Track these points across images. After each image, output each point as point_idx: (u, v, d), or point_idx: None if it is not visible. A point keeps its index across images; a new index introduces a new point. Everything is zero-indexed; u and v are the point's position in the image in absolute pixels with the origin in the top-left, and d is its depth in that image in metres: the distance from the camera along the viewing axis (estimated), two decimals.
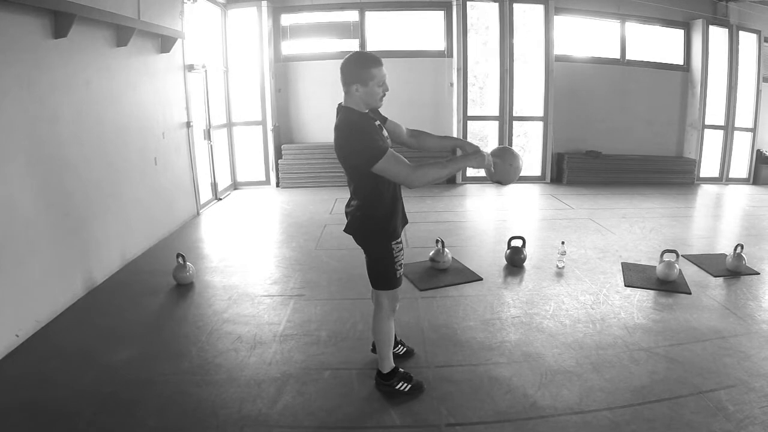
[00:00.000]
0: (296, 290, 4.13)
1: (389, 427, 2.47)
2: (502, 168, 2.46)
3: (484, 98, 9.32)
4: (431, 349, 3.18)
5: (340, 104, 2.42)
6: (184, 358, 3.08)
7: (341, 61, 2.33)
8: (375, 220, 2.46)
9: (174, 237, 5.66)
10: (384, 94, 2.37)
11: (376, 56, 2.33)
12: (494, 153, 2.49)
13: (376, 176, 2.29)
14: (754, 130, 9.34)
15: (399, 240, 2.52)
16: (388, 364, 2.68)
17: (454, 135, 8.74)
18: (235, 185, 8.49)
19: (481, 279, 4.32)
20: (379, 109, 2.51)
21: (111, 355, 3.10)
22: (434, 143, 2.71)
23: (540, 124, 8.92)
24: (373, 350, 3.00)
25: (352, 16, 8.56)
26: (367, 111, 2.40)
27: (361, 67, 2.29)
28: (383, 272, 2.53)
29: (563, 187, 8.59)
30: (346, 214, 2.58)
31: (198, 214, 6.66)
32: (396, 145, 2.59)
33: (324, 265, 4.70)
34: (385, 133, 2.50)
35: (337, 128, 2.36)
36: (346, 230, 2.57)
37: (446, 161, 2.31)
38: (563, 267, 4.54)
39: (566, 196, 7.87)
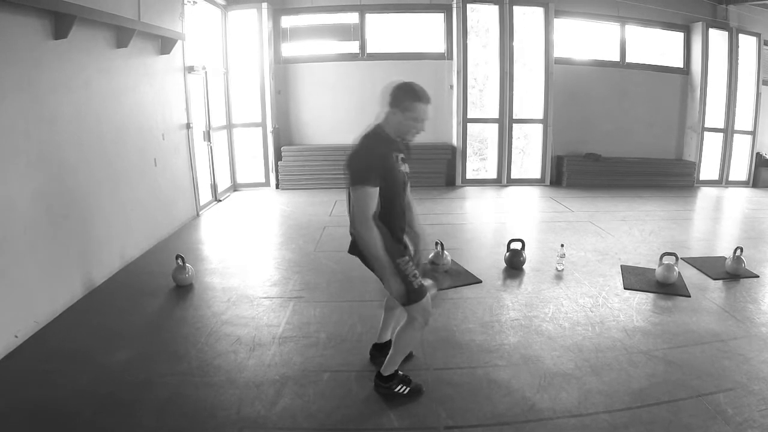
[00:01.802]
0: (295, 292, 4.13)
1: (388, 430, 2.47)
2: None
3: (484, 100, 9.32)
4: (430, 351, 3.18)
5: (373, 122, 2.47)
6: (183, 359, 3.08)
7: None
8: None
9: (173, 238, 5.66)
10: (416, 131, 2.42)
11: (426, 94, 2.38)
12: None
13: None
14: (753, 133, 9.35)
15: (404, 255, 2.51)
16: (392, 369, 2.67)
17: (454, 137, 8.79)
18: (234, 187, 8.49)
19: (480, 281, 4.32)
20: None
21: (110, 356, 3.10)
22: (409, 220, 2.70)
23: (540, 127, 8.92)
24: (372, 358, 3.00)
25: (352, 18, 8.57)
26: (395, 138, 2.43)
27: (404, 95, 2.35)
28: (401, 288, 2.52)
29: (563, 190, 8.59)
30: (351, 234, 2.58)
31: (197, 215, 6.65)
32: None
33: (323, 267, 4.70)
34: (405, 169, 2.51)
35: (359, 138, 2.42)
36: (350, 251, 2.59)
37: (386, 255, 2.34)
38: (562, 270, 4.54)
39: (566, 198, 7.87)
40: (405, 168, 2.52)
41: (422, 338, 3.30)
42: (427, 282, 2.60)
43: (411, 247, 2.69)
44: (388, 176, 2.38)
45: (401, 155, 2.49)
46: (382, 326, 3.00)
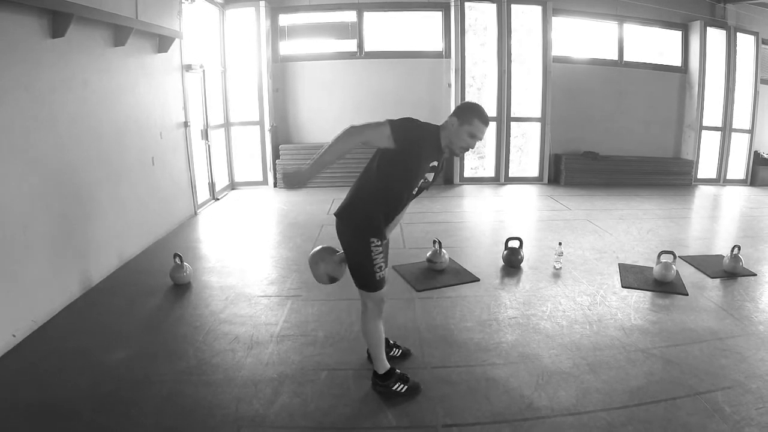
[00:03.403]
0: (293, 291, 4.12)
1: (386, 428, 2.47)
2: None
3: (482, 99, 9.30)
4: (428, 350, 3.18)
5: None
6: (181, 358, 3.08)
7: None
8: (367, 211, 2.50)
9: (171, 237, 5.66)
10: (467, 148, 2.52)
11: (488, 118, 2.52)
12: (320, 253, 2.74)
13: (393, 172, 2.44)
14: (751, 132, 9.37)
15: (379, 242, 2.52)
16: (383, 365, 2.68)
17: None
18: (232, 185, 8.48)
19: (478, 280, 4.33)
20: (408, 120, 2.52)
21: (108, 355, 3.10)
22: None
23: (538, 125, 8.93)
24: (369, 358, 3.00)
25: (350, 16, 8.56)
26: (441, 146, 2.51)
27: (468, 111, 2.49)
28: (362, 272, 2.54)
29: (561, 188, 8.60)
30: (346, 197, 2.60)
31: (195, 214, 6.65)
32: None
33: None
34: (430, 178, 2.59)
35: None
36: (335, 212, 2.60)
37: (325, 161, 2.40)
38: (560, 268, 4.54)
39: (564, 197, 7.88)
40: (429, 177, 2.58)
41: (420, 336, 3.31)
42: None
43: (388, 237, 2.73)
44: (411, 168, 2.45)
45: (435, 164, 2.55)
46: None
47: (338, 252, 2.71)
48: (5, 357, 3.08)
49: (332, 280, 2.74)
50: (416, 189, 2.58)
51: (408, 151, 2.38)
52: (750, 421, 2.44)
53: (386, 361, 2.70)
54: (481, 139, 2.52)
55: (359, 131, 2.36)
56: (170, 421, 2.49)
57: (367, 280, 2.54)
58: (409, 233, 5.67)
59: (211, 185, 7.44)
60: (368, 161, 2.58)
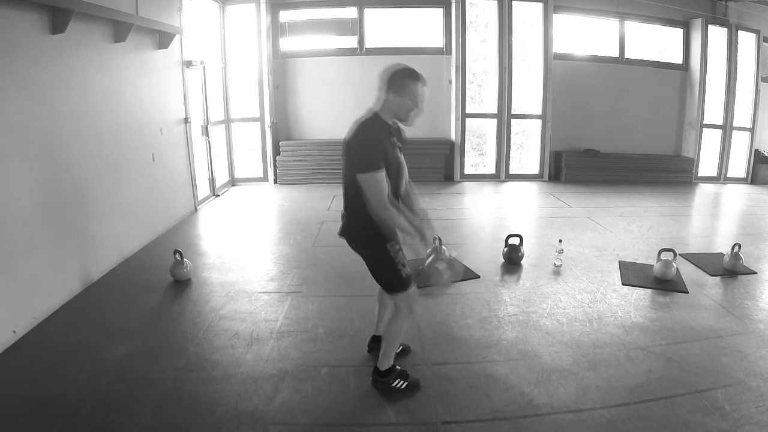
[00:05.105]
0: (293, 287, 4.12)
1: (385, 425, 2.47)
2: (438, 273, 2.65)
3: (483, 96, 9.31)
4: (428, 346, 3.18)
5: (370, 108, 2.46)
6: (181, 354, 3.08)
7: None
8: (367, 221, 2.43)
9: (171, 233, 5.65)
10: (416, 113, 2.42)
11: (420, 74, 2.40)
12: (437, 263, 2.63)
13: None
14: (752, 130, 9.35)
15: (395, 242, 2.50)
16: (388, 363, 2.68)
17: (452, 132, 8.77)
18: (233, 182, 8.48)
19: (478, 277, 4.32)
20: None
21: (108, 351, 3.10)
22: (409, 208, 2.69)
23: (538, 122, 8.91)
24: (370, 350, 3.01)
25: (350, 12, 8.54)
26: (390, 123, 2.44)
27: (401, 77, 2.36)
28: (387, 275, 2.52)
29: (561, 186, 8.59)
30: (342, 217, 2.58)
31: (196, 210, 6.64)
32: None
33: (321, 262, 4.69)
34: (399, 155, 2.51)
35: (356, 125, 2.42)
36: (340, 233, 2.58)
37: (405, 222, 2.40)
38: (560, 265, 4.54)
39: (564, 194, 7.87)
40: (399, 154, 2.50)
41: (419, 333, 3.31)
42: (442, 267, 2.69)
43: (420, 232, 2.67)
44: (385, 162, 2.37)
45: (395, 140, 2.48)
46: (378, 318, 3.00)
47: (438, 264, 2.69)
48: (5, 353, 3.08)
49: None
50: (398, 172, 2.50)
51: (382, 157, 2.34)
52: (750, 419, 2.44)
53: (392, 359, 2.70)
54: (424, 99, 2.41)
55: (379, 195, 2.29)
56: (170, 418, 2.49)
57: (394, 281, 2.51)
58: None
59: (212, 181, 7.44)
60: (343, 174, 2.47)
